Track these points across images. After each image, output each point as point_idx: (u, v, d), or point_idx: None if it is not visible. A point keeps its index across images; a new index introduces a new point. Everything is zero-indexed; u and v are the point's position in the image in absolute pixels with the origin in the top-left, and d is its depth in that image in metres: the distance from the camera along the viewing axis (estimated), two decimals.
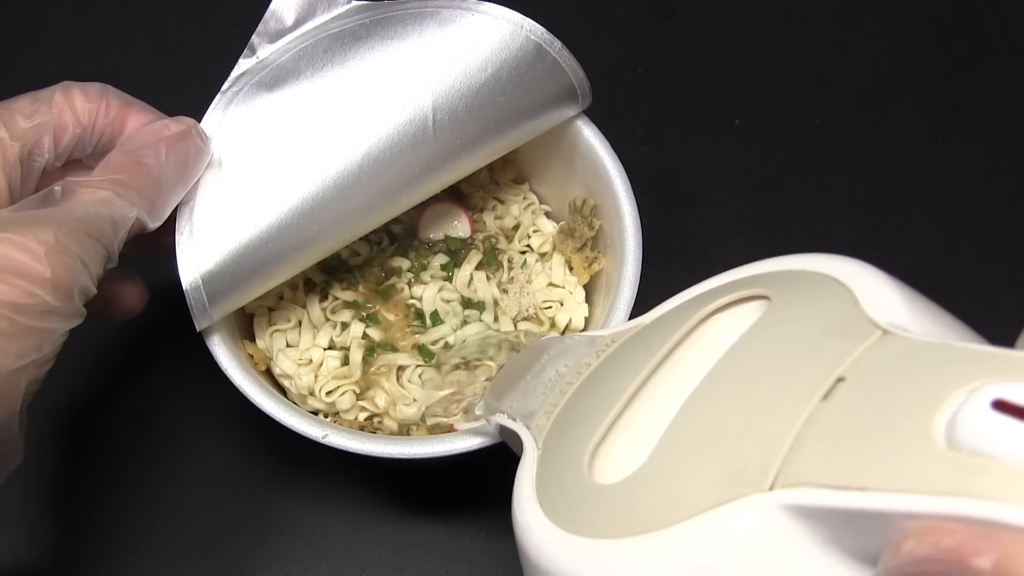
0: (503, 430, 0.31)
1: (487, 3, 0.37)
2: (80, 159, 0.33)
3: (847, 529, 0.18)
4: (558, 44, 0.37)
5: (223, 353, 0.36)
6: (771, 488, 0.19)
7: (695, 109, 0.54)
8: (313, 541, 0.42)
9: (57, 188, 0.29)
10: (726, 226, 0.50)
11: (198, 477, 0.43)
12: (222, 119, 0.36)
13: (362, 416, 0.38)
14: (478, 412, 0.33)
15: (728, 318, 0.27)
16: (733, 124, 0.54)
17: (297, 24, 0.38)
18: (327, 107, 0.35)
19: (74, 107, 0.31)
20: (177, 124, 0.33)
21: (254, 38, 0.38)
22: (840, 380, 0.21)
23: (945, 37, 0.56)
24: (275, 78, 0.36)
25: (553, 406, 0.29)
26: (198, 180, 0.34)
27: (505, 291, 0.41)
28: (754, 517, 0.19)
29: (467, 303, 0.41)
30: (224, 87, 0.37)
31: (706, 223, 0.51)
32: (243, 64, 0.37)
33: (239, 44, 0.40)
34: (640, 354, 0.28)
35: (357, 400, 0.38)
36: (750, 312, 0.27)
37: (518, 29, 0.37)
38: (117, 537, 0.42)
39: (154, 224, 0.32)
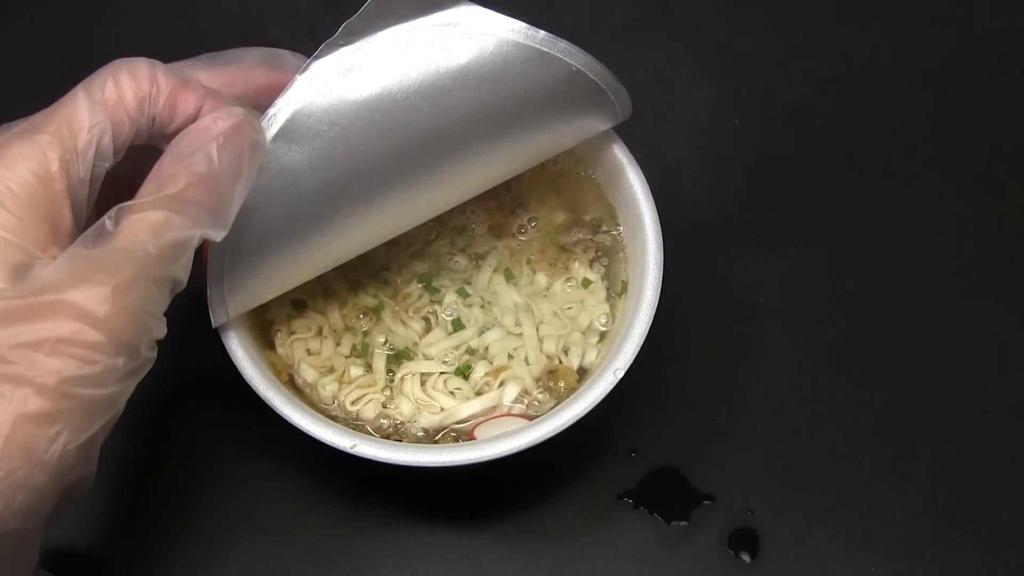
0: None
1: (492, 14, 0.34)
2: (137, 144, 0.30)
3: None
4: (563, 43, 0.34)
5: (249, 367, 0.35)
6: None
7: (695, 109, 0.54)
8: (312, 543, 0.41)
9: (108, 220, 0.27)
10: (726, 226, 0.51)
11: (197, 480, 0.43)
12: (291, 98, 0.31)
13: (386, 424, 0.38)
14: None
15: None
16: (733, 124, 0.54)
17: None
18: (365, 126, 0.32)
19: (126, 100, 0.29)
20: (226, 118, 0.29)
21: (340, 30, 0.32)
22: None
23: (946, 36, 0.57)
24: (350, 77, 0.32)
25: None
26: None
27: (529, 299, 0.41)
28: None
29: (487, 307, 0.40)
30: (306, 65, 0.32)
31: (706, 224, 0.51)
32: (325, 53, 0.32)
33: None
34: None
35: (382, 409, 0.38)
36: None
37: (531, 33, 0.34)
38: (116, 539, 0.41)
39: (219, 235, 0.29)
